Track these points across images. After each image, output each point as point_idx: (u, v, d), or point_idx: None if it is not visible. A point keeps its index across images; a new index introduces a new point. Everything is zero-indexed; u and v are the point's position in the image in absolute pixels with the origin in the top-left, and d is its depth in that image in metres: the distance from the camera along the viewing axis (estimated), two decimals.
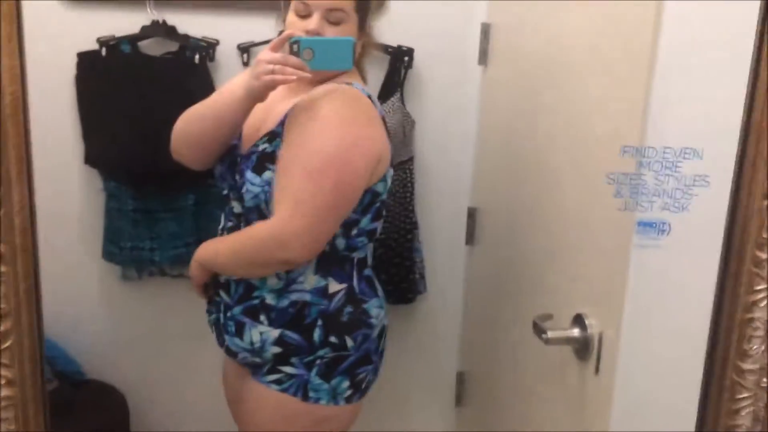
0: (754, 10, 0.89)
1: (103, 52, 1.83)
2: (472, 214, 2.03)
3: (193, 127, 1.39)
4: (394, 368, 2.08)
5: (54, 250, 1.96)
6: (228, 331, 1.39)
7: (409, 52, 1.92)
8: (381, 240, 1.98)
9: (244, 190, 1.31)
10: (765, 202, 0.93)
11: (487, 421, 1.94)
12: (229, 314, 1.38)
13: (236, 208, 1.38)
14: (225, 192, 1.42)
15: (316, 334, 1.34)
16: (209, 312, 1.48)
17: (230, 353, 1.42)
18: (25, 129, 0.74)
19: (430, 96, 1.99)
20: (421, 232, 2.05)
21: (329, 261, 1.36)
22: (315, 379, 1.35)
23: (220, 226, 1.46)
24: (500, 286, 1.78)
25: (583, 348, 1.21)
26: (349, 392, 1.38)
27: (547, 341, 1.24)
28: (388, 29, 1.84)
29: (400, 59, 1.92)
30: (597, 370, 1.17)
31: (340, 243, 1.36)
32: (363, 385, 1.41)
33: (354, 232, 1.36)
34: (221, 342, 1.44)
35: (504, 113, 1.79)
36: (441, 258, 2.12)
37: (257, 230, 1.30)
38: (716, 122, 0.92)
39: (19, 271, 0.80)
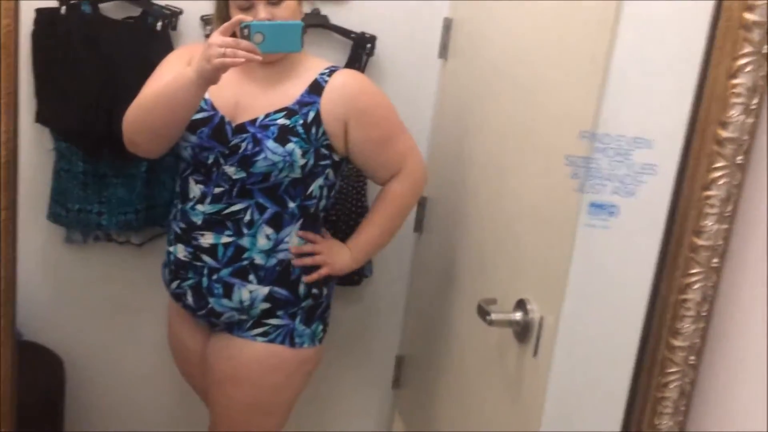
0: (708, 9, 0.97)
1: (63, 10, 1.78)
2: (422, 202, 2.08)
3: (146, 115, 1.42)
4: (335, 349, 2.11)
5: None
6: (214, 293, 1.46)
7: (372, 39, 1.95)
8: (332, 222, 2.00)
9: (260, 157, 1.39)
10: (704, 193, 1.00)
11: (425, 402, 1.99)
12: (215, 277, 1.45)
13: (234, 173, 1.42)
14: (210, 159, 1.44)
15: (301, 288, 1.50)
16: (180, 278, 1.50)
17: (213, 314, 1.48)
18: (15, 61, 0.74)
19: (389, 85, 2.01)
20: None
21: (310, 221, 1.50)
22: (299, 326, 1.50)
23: (197, 194, 1.46)
24: (446, 273, 1.83)
25: (523, 331, 1.27)
26: (322, 334, 1.57)
27: (491, 323, 1.30)
28: (353, 15, 1.89)
29: (362, 46, 1.95)
30: (535, 352, 1.23)
31: (322, 204, 1.52)
32: (328, 327, 1.61)
33: (332, 193, 1.54)
34: (202, 305, 1.48)
35: (460, 105, 1.84)
36: (389, 244, 2.15)
37: (400, 198, 1.55)
38: (667, 115, 1.00)
39: (1, 203, 0.79)
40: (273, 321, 1.49)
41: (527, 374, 1.28)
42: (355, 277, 2.07)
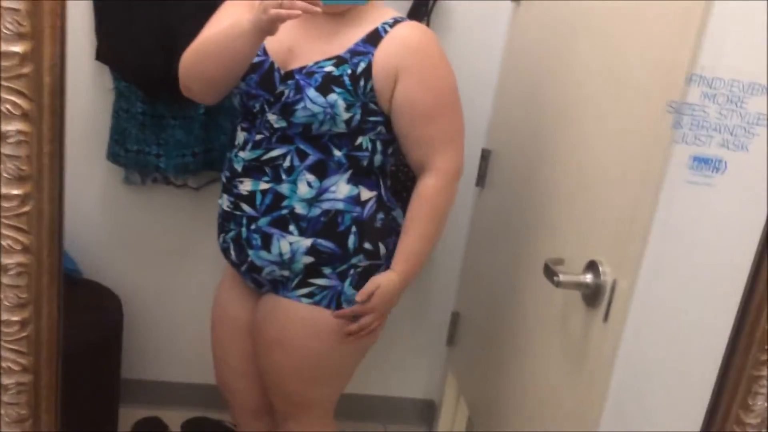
0: None
1: None
2: (485, 155, 2.00)
3: (202, 62, 1.37)
4: None
5: None
6: (253, 244, 1.38)
7: None
8: (391, 173, 1.95)
9: (300, 106, 1.32)
10: None
11: (480, 361, 1.95)
12: (253, 227, 1.38)
13: (276, 122, 1.36)
14: (256, 107, 1.38)
15: (351, 241, 1.38)
16: (224, 231, 1.44)
17: (254, 269, 1.41)
18: None
19: (457, 30, 1.93)
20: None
21: (363, 172, 1.40)
22: (348, 290, 1.39)
23: (240, 141, 1.41)
24: (509, 229, 1.77)
25: (593, 295, 1.20)
26: None
27: (558, 284, 1.23)
28: None
29: None
30: (606, 317, 1.16)
31: (377, 160, 1.42)
32: None
33: (390, 150, 1.45)
34: (242, 258, 1.41)
35: (532, 52, 1.74)
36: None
37: (435, 196, 1.43)
38: None
39: (45, 133, 0.76)
40: (319, 281, 1.38)
41: (595, 340, 1.21)
42: None
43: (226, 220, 1.43)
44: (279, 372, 1.47)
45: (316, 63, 1.34)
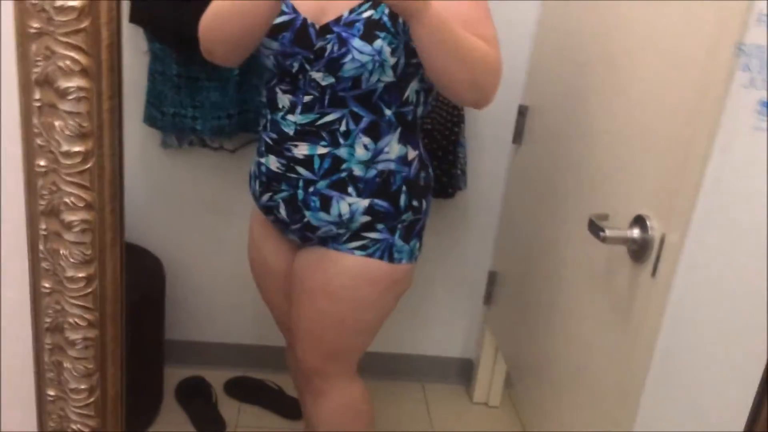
0: None
1: None
2: (522, 111, 1.97)
3: (222, 24, 1.32)
4: (426, 263, 2.09)
5: None
6: (310, 206, 1.40)
7: None
8: (426, 131, 1.93)
9: (347, 59, 1.29)
10: None
11: (517, 319, 1.95)
12: (311, 189, 1.39)
13: (322, 79, 1.33)
14: (295, 67, 1.35)
15: (402, 200, 1.43)
16: (271, 191, 1.44)
17: (308, 228, 1.43)
18: None
19: None
20: (467, 127, 2.00)
21: (409, 129, 1.41)
22: (398, 242, 1.44)
23: (286, 103, 1.38)
24: (548, 186, 1.74)
25: (640, 250, 1.17)
26: (418, 252, 1.51)
27: (605, 240, 1.21)
28: None
29: None
30: (654, 272, 1.14)
31: (419, 111, 1.41)
32: (422, 245, 1.54)
33: (429, 99, 1.43)
34: (296, 218, 1.43)
35: (572, 3, 1.70)
36: (485, 155, 2.07)
37: (483, 48, 1.25)
38: None
39: (104, 89, 0.76)
40: (372, 235, 1.43)
41: (642, 296, 1.19)
42: (450, 190, 2.02)
43: (274, 180, 1.43)
44: (319, 320, 1.50)
45: (353, 11, 1.30)
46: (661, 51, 1.22)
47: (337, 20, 1.31)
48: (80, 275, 0.85)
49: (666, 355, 1.12)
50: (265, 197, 1.46)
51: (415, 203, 1.44)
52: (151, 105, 1.89)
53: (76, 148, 0.79)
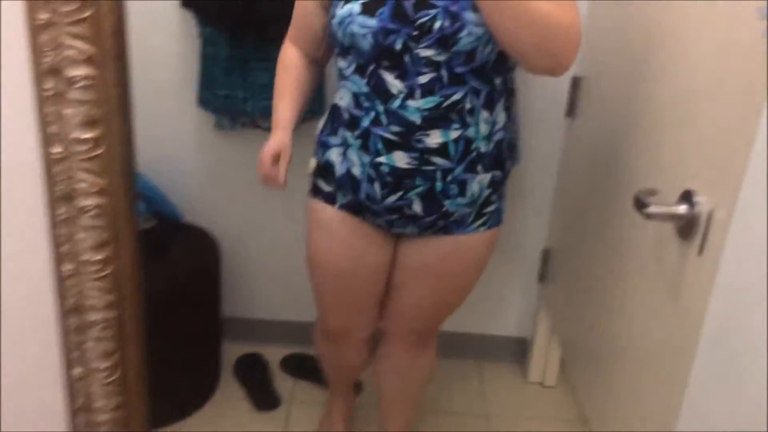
0: None
1: None
2: (576, 83, 1.90)
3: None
4: None
5: (151, 93, 1.99)
6: (450, 194, 1.37)
7: None
8: None
9: (463, 33, 1.24)
10: None
11: (572, 297, 1.90)
12: (449, 178, 1.35)
13: (435, 56, 1.27)
14: (398, 45, 1.27)
15: (506, 166, 1.45)
16: (403, 189, 1.36)
17: (446, 216, 1.40)
18: None
19: None
20: (519, 101, 1.94)
21: (509, 94, 1.41)
22: (501, 205, 1.50)
23: (401, 88, 1.29)
24: (601, 160, 1.68)
25: (687, 226, 1.13)
26: None
27: (648, 216, 1.16)
28: None
29: None
30: (701, 250, 1.09)
31: (509, 79, 1.40)
32: None
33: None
34: (434, 210, 1.38)
35: None
36: (538, 129, 2.02)
37: (555, 12, 1.18)
38: None
39: (109, 77, 0.78)
40: (490, 207, 1.46)
41: (689, 275, 1.14)
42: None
43: (405, 178, 1.34)
44: (441, 296, 1.56)
45: None
46: (714, 26, 1.15)
47: None
48: (97, 258, 0.88)
49: (714, 336, 1.07)
50: (393, 198, 1.37)
51: (509, 165, 1.46)
52: (204, 88, 1.93)
53: (87, 135, 0.81)
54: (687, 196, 1.12)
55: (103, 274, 0.88)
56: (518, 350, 2.29)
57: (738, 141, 0.99)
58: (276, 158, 1.46)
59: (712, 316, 1.06)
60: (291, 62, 1.53)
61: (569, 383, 2.21)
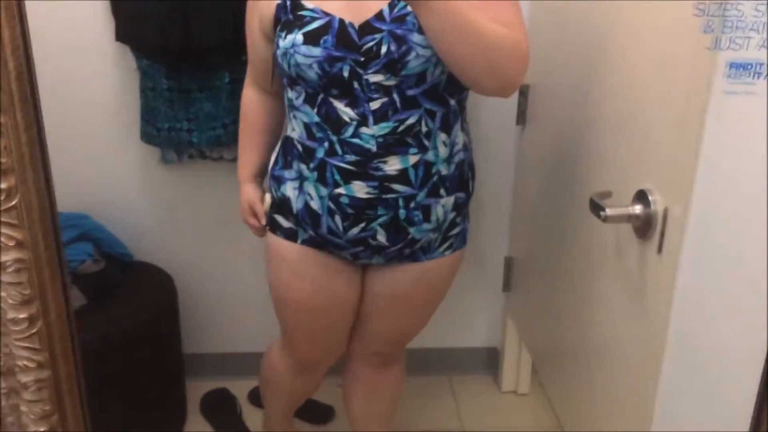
0: None
1: None
2: (524, 91, 1.90)
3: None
4: None
5: (92, 131, 1.94)
6: (414, 221, 1.34)
7: None
8: None
9: (410, 56, 1.21)
10: None
11: (538, 304, 1.89)
12: (413, 204, 1.32)
13: (385, 80, 1.24)
14: (345, 72, 1.24)
15: (470, 186, 1.44)
16: (364, 220, 1.32)
17: (411, 244, 1.37)
18: None
19: None
20: (468, 113, 1.93)
21: (464, 114, 1.40)
22: (466, 225, 1.49)
23: (353, 116, 1.26)
24: (554, 166, 1.68)
25: (644, 226, 1.12)
26: None
27: (605, 219, 1.16)
28: None
29: None
30: (660, 248, 1.09)
31: (464, 99, 1.39)
32: None
33: None
34: (398, 239, 1.35)
35: None
36: (490, 138, 2.01)
37: (500, 31, 1.16)
38: None
39: (20, 122, 0.73)
40: (456, 230, 1.44)
41: (651, 274, 1.14)
42: None
43: (366, 208, 1.31)
44: (409, 320, 1.57)
45: (393, 5, 1.22)
46: (660, 28, 1.15)
47: (379, 16, 1.23)
48: (22, 316, 0.82)
49: (680, 333, 1.06)
50: (355, 230, 1.33)
51: (473, 185, 1.44)
52: (146, 122, 1.88)
53: None
54: (641, 196, 1.12)
55: (31, 332, 0.83)
56: (489, 360, 2.27)
57: (687, 138, 0.98)
58: (252, 209, 1.53)
59: (677, 314, 1.05)
60: (248, 107, 1.55)
61: (544, 390, 2.19)
